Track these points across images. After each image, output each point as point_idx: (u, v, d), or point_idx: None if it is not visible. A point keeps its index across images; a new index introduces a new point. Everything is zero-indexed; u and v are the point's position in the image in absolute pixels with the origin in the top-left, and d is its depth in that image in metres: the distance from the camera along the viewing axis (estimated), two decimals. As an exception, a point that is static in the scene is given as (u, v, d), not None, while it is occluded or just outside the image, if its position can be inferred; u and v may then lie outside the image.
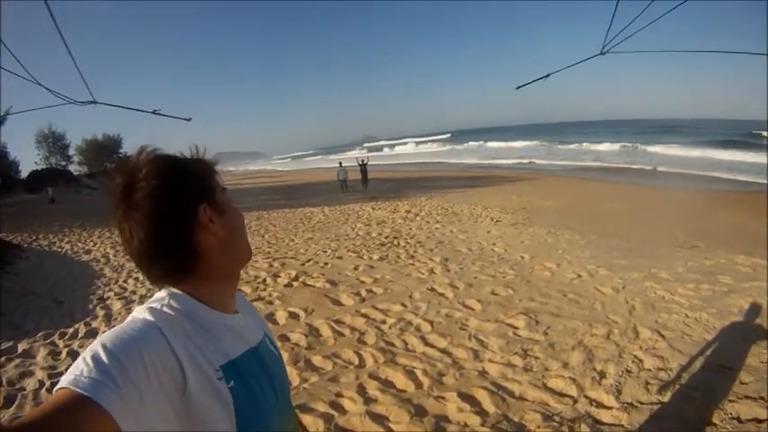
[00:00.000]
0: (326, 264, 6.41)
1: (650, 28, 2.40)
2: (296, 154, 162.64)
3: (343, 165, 18.80)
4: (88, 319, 4.86)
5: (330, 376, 3.21)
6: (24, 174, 32.80)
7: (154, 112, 2.92)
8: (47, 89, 2.63)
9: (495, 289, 4.73)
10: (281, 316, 4.47)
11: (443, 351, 3.38)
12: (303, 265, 6.48)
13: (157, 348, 0.59)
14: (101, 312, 5.06)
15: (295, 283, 5.56)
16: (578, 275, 5.21)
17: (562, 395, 2.70)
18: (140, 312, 0.66)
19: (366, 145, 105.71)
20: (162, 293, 0.69)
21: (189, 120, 3.14)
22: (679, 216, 10.75)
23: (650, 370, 2.89)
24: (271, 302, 4.93)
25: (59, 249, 9.76)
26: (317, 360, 3.47)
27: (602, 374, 2.89)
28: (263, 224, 11.10)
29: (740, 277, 4.74)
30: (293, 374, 3.29)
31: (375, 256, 6.59)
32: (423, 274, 5.54)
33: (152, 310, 0.66)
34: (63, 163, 39.94)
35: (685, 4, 2.35)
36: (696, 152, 28.31)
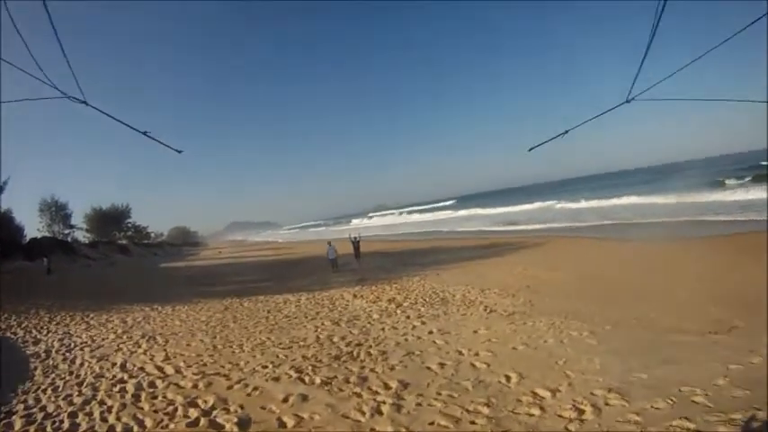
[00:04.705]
0: (255, 390, 5.01)
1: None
2: (303, 224, 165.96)
3: (332, 244, 17.82)
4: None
5: None
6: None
7: (145, 134, 2.91)
8: (46, 81, 2.63)
9: (451, 455, 3.21)
10: None
11: None
12: (230, 388, 5.14)
13: None
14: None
15: (202, 421, 4.29)
16: (579, 412, 3.68)
17: None
18: None
19: (370, 214, 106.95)
20: None
21: (180, 152, 3.13)
22: (707, 279, 9.17)
23: None
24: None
25: (13, 336, 8.99)
26: None
27: None
28: (225, 318, 9.75)
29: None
30: None
31: (318, 379, 5.13)
32: (363, 415, 4.06)
33: None
34: (66, 231, 40.69)
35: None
36: (706, 195, 27.52)
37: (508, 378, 4.62)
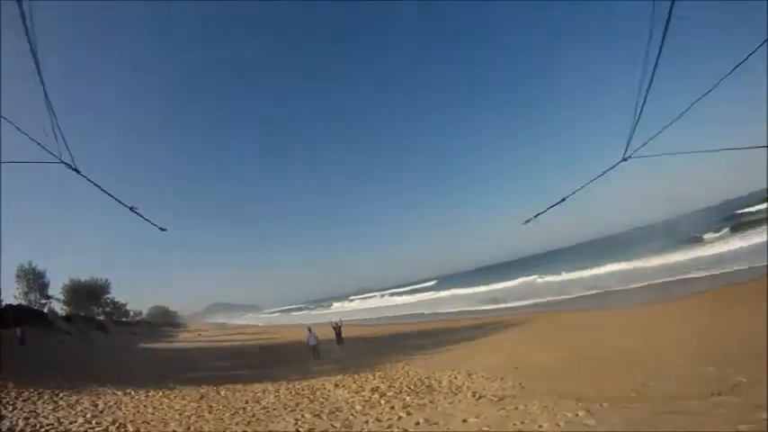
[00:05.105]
0: None
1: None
2: (285, 308, 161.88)
3: (312, 330, 16.99)
4: None
5: None
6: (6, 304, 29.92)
7: (131, 209, 2.92)
8: (45, 147, 2.86)
9: None
10: None
11: None
12: None
13: None
14: None
15: None
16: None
17: None
18: None
19: (351, 297, 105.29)
20: None
21: (164, 230, 3.16)
22: (699, 337, 9.05)
23: None
24: None
25: (-27, 410, 7.81)
26: None
27: None
28: (200, 407, 8.79)
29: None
30: None
31: (295, 490, 4.55)
32: None
33: None
34: (43, 301, 37.80)
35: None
36: (686, 253, 28.19)
37: (505, 472, 4.20)
